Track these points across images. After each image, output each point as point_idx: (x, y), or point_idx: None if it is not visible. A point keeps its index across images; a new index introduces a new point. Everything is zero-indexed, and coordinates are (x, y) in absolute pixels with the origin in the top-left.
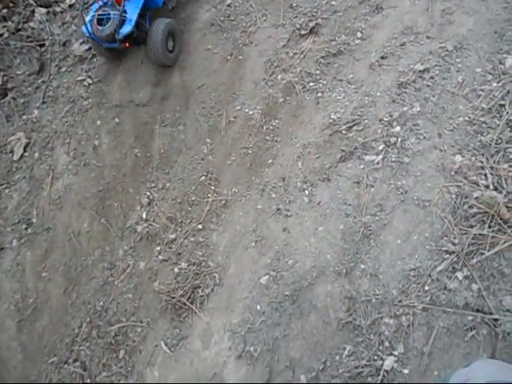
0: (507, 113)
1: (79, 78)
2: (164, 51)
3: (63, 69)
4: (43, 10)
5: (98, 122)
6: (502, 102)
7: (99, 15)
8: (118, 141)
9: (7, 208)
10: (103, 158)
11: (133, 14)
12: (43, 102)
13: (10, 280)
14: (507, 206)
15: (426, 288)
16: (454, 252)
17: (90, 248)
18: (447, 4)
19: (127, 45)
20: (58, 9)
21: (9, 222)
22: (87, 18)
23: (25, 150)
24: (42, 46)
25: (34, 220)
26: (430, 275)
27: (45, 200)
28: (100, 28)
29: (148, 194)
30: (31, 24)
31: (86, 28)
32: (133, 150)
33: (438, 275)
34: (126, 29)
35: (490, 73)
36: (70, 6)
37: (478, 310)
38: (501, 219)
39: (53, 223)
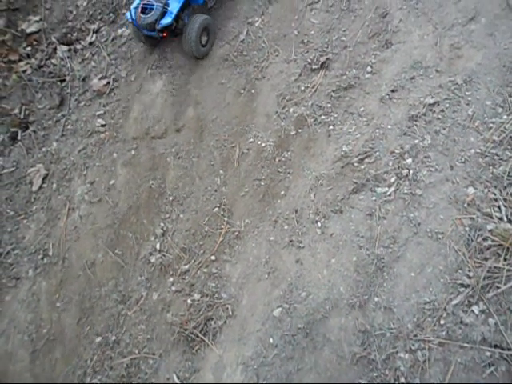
0: None
1: (98, 113)
2: (197, 44)
3: (82, 103)
4: (65, 48)
5: (115, 155)
6: None
7: (144, 4)
8: (134, 172)
9: (24, 238)
10: (119, 189)
11: (174, 8)
12: (62, 135)
13: (24, 310)
14: None
15: (442, 322)
16: (469, 285)
17: (103, 279)
18: (455, 39)
19: (165, 35)
20: (78, 46)
21: (26, 251)
22: (133, 5)
23: (43, 182)
24: (62, 81)
25: (50, 250)
26: (445, 309)
27: (61, 231)
28: (143, 16)
29: (162, 224)
30: (53, 61)
31: (130, 14)
32: (148, 182)
33: (454, 309)
34: (166, 20)
35: (500, 106)
36: (91, 43)
37: (495, 346)
38: None
39: (68, 254)
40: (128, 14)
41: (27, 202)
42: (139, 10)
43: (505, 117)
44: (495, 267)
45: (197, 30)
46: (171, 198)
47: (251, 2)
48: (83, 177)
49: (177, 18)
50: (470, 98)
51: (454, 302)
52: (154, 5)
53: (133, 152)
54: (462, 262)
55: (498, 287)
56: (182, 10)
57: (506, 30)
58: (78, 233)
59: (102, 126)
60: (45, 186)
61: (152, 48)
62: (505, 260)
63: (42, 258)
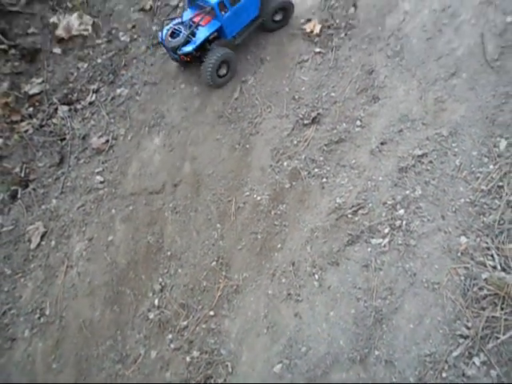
0: (506, 194)
1: (97, 170)
2: (213, 74)
3: (82, 160)
4: (66, 108)
5: (113, 211)
6: (501, 184)
7: (174, 29)
8: (132, 228)
9: (21, 297)
10: (117, 245)
11: (199, 38)
12: (61, 192)
13: (20, 373)
14: None
15: (444, 375)
16: (468, 336)
17: (101, 337)
18: (439, 93)
19: (188, 60)
20: (79, 106)
21: (22, 311)
22: (166, 27)
23: (42, 239)
24: (62, 139)
25: (47, 309)
26: (446, 361)
27: (59, 289)
28: (170, 39)
29: (160, 280)
30: (54, 120)
31: (162, 34)
32: (146, 237)
33: (455, 361)
34: (187, 48)
35: (485, 156)
36: (90, 103)
37: None
38: None
39: (65, 312)
40: (160, 34)
41: (25, 260)
42: (169, 33)
43: (491, 166)
44: (493, 317)
45: (215, 60)
46: (169, 253)
47: (244, 62)
48: (82, 233)
49: (202, 47)
50: (456, 149)
51: (455, 353)
52: (181, 31)
53: (131, 208)
54: (459, 312)
55: (498, 337)
56: (208, 41)
57: (486, 84)
58: (76, 290)
59: (101, 182)
60: (43, 243)
61: (183, 67)
62: (502, 309)
63: (39, 318)
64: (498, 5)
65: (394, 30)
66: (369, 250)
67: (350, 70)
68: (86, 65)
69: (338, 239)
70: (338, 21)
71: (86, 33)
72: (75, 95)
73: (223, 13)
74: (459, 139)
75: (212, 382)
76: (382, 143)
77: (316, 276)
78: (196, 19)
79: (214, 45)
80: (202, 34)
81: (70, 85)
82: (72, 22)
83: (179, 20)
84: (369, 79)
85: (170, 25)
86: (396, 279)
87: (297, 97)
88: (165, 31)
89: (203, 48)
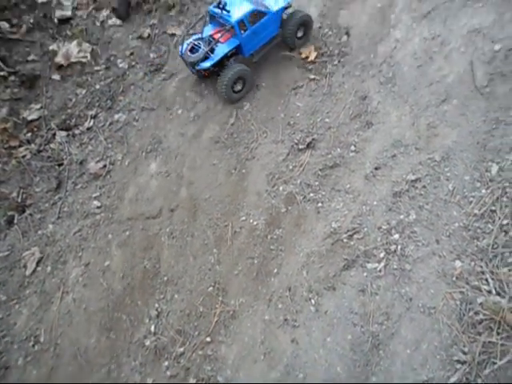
0: (499, 218)
1: (94, 195)
2: (228, 90)
3: (79, 185)
4: (64, 133)
5: (110, 236)
6: (493, 208)
7: (194, 44)
8: (129, 253)
9: (16, 324)
10: (113, 270)
11: (217, 55)
12: (58, 217)
13: None
14: None
15: None
16: (465, 362)
17: (96, 365)
18: (431, 119)
19: (206, 74)
20: (76, 131)
21: (16, 338)
22: (187, 41)
23: (37, 265)
24: (60, 165)
25: (42, 336)
26: None
27: (54, 315)
28: (189, 54)
29: (157, 305)
30: (52, 145)
31: (181, 49)
32: (142, 262)
33: None
34: (205, 65)
35: (478, 180)
36: (88, 128)
37: None
38: (507, 325)
39: (60, 339)
40: (180, 48)
41: (20, 286)
42: (189, 47)
43: (483, 191)
44: (489, 342)
45: (230, 76)
46: (166, 278)
47: None
48: (78, 259)
49: (221, 63)
50: (449, 174)
51: (452, 379)
52: (200, 47)
53: (127, 233)
54: (456, 337)
55: (495, 363)
56: (227, 57)
57: (477, 110)
58: (71, 317)
59: (98, 207)
60: (39, 269)
61: (201, 79)
62: (498, 334)
63: (33, 345)
64: (485, 33)
65: (386, 57)
66: (365, 274)
67: (344, 96)
68: (84, 91)
69: (333, 264)
70: (331, 48)
71: (84, 60)
72: (73, 121)
73: (243, 31)
74: (451, 164)
75: None
76: (376, 168)
77: (312, 301)
78: (216, 35)
79: (232, 61)
80: (221, 51)
81: (69, 110)
82: (71, 50)
83: (200, 36)
84: (362, 105)
85: (191, 39)
86: (392, 304)
87: (292, 122)
88: (185, 45)
89: (221, 64)
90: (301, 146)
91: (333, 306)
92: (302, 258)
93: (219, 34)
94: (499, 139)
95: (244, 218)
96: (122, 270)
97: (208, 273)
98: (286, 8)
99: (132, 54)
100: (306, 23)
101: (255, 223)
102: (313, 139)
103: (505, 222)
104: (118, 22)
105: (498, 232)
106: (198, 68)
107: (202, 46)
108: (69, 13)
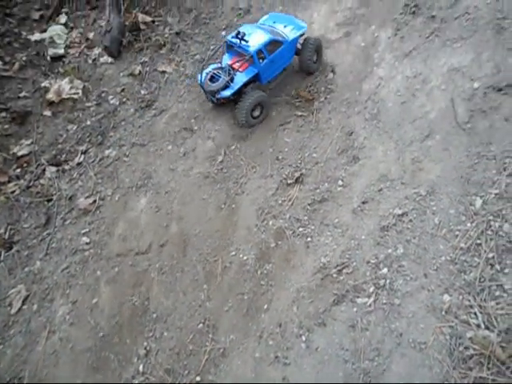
0: (485, 251)
1: (83, 231)
2: (247, 115)
3: (68, 221)
4: (53, 169)
5: (98, 272)
6: (479, 241)
7: (213, 74)
8: (117, 290)
9: None
10: (101, 308)
11: (237, 84)
12: (46, 254)
13: None
14: (502, 346)
15: None
16: None
17: None
18: (415, 154)
19: (223, 102)
20: (66, 167)
21: None
22: (205, 70)
23: (23, 303)
24: (49, 200)
25: (26, 379)
26: None
27: (39, 356)
28: (209, 83)
29: (145, 344)
30: (41, 181)
31: (200, 77)
32: (131, 299)
33: None
34: (226, 93)
35: (463, 214)
36: (78, 163)
37: None
38: (497, 360)
39: (46, 380)
40: (199, 76)
41: (5, 325)
42: (208, 76)
43: (468, 224)
44: (480, 377)
45: (250, 103)
46: (155, 316)
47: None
48: (65, 296)
49: (239, 91)
50: (434, 208)
51: None
52: (220, 76)
53: (116, 269)
54: (447, 373)
55: None
56: (245, 85)
57: (459, 145)
58: (58, 357)
59: (87, 243)
60: (25, 307)
61: (216, 105)
62: (488, 369)
63: None
64: (465, 72)
65: (371, 94)
66: (354, 309)
67: (331, 131)
68: (75, 127)
69: (323, 299)
70: (317, 85)
71: (76, 96)
72: (63, 156)
73: (261, 60)
74: (437, 198)
75: None
76: (363, 202)
77: (303, 337)
78: (235, 65)
79: (250, 88)
80: (240, 79)
81: (59, 146)
82: (63, 86)
83: (218, 65)
84: (349, 140)
85: (209, 69)
86: (383, 339)
87: (280, 157)
88: (204, 75)
89: (239, 92)
90: (289, 181)
91: (324, 343)
92: (292, 293)
93: (238, 64)
94: (482, 173)
95: (234, 252)
96: (110, 308)
97: (198, 309)
98: (301, 35)
99: (123, 90)
100: (319, 48)
101: (245, 258)
102: (301, 174)
103: (490, 255)
104: (110, 59)
105: (484, 265)
106: (218, 97)
107: (222, 76)
108: (61, 51)
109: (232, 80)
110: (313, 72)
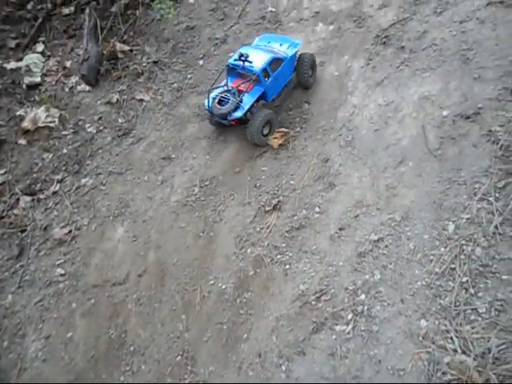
0: (459, 275)
1: (58, 262)
2: (258, 134)
3: (42, 252)
4: (28, 198)
5: (73, 305)
6: (453, 266)
7: (221, 97)
8: (93, 323)
9: None
10: (76, 342)
11: (247, 104)
12: (19, 287)
13: None
14: (478, 371)
15: None
16: None
17: None
18: (389, 180)
19: (234, 123)
20: (41, 196)
21: None
22: (211, 95)
23: None
24: (23, 231)
25: None
26: None
27: None
28: (218, 107)
29: (122, 378)
30: (15, 211)
31: (208, 103)
32: (108, 332)
33: None
34: (237, 114)
35: (437, 238)
36: (54, 192)
37: None
38: None
39: None
40: (206, 102)
41: None
42: (216, 100)
43: (442, 249)
44: None
45: (260, 122)
46: (132, 348)
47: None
48: (38, 331)
49: (248, 111)
50: (409, 233)
51: None
52: (229, 99)
53: (92, 301)
54: None
55: None
56: (252, 104)
57: (431, 171)
58: None
59: (62, 275)
60: None
61: (221, 129)
62: None
63: None
64: (434, 100)
65: (345, 121)
66: (333, 337)
67: (307, 158)
68: (51, 155)
69: (303, 327)
70: (293, 115)
71: (52, 124)
72: (38, 185)
73: (266, 79)
74: (411, 223)
75: None
76: (340, 229)
77: (283, 367)
78: (240, 86)
79: (256, 107)
80: (249, 99)
81: (34, 175)
82: (39, 115)
83: (224, 88)
84: (325, 167)
85: (215, 93)
86: (362, 367)
87: (258, 185)
88: (211, 99)
89: (247, 112)
90: (267, 208)
91: (303, 372)
92: (272, 321)
93: (243, 85)
94: (453, 198)
95: (212, 281)
96: (85, 342)
97: (176, 341)
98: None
99: (100, 118)
100: (313, 63)
101: (224, 287)
102: (279, 201)
103: (464, 279)
104: (87, 88)
105: (458, 290)
106: (230, 119)
107: (231, 98)
108: (38, 79)
109: (241, 101)
110: (309, 86)
